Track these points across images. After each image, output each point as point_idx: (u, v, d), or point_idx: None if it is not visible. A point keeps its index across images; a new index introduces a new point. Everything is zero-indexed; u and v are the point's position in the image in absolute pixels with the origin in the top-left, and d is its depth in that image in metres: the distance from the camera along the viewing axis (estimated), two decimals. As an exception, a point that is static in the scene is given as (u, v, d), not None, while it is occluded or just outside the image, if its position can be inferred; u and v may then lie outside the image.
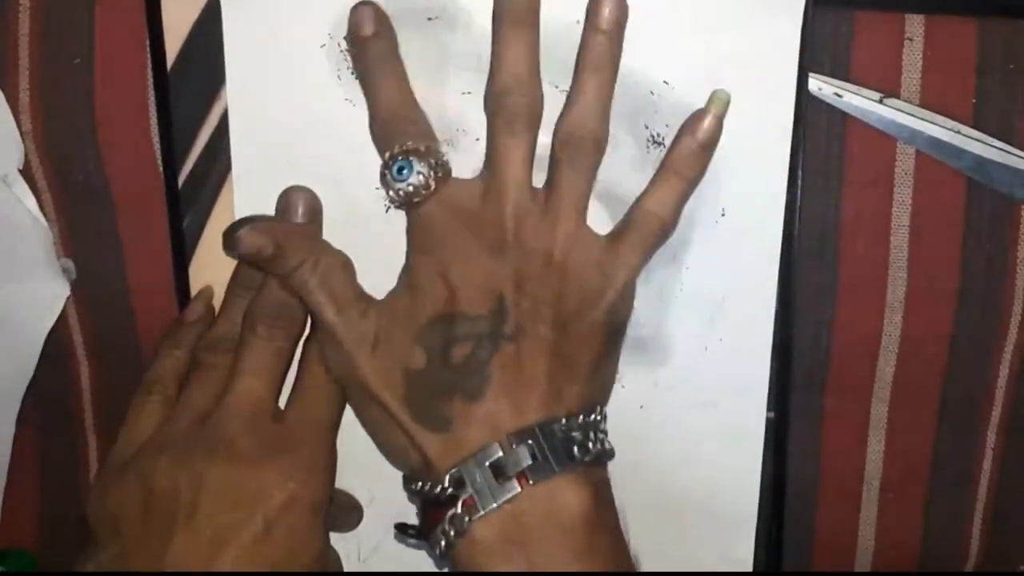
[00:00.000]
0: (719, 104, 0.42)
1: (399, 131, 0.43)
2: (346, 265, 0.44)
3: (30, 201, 0.48)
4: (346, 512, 0.48)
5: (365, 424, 0.44)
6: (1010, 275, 0.45)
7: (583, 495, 0.39)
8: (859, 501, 0.49)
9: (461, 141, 0.44)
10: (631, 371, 0.46)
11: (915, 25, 0.43)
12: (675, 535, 0.47)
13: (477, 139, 0.44)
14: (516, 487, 0.39)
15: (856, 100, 0.44)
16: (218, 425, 0.43)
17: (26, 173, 0.48)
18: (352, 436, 0.46)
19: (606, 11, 0.42)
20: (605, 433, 0.42)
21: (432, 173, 0.42)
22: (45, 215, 0.49)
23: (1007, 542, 0.49)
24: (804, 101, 0.43)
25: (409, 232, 0.44)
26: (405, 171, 0.42)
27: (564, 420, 0.40)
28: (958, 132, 0.44)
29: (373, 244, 0.45)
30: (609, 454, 0.42)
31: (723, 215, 0.44)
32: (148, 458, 0.43)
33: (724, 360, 0.45)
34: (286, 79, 0.45)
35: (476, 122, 0.44)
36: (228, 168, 0.46)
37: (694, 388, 0.45)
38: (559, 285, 0.42)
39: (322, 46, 0.44)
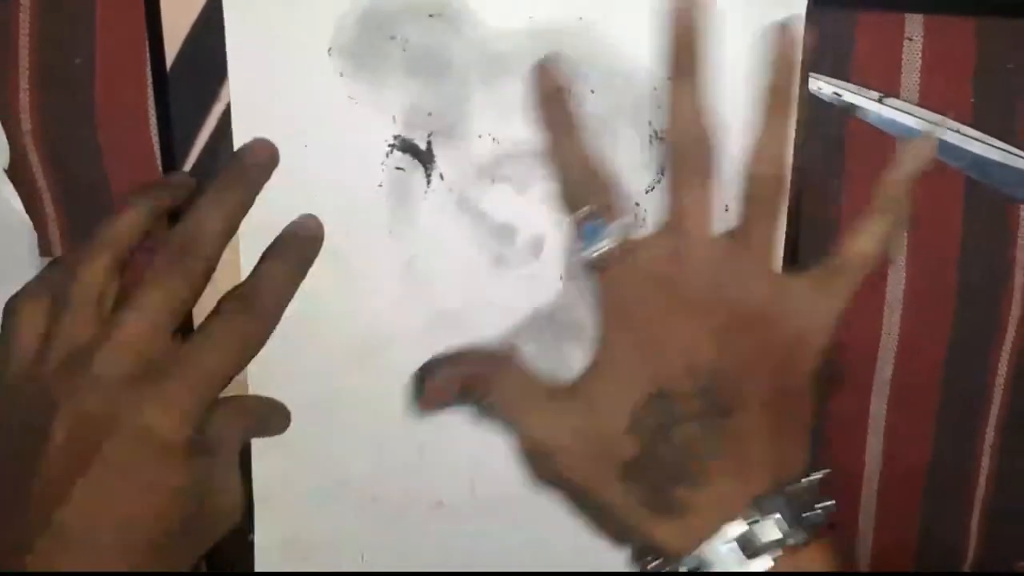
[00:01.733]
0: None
1: (590, 190, 0.41)
2: (522, 367, 0.43)
3: (16, 202, 0.48)
4: (268, 414, 0.45)
5: (583, 515, 0.43)
6: (1009, 274, 0.46)
7: (828, 559, 0.39)
8: (858, 499, 0.49)
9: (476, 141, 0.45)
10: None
11: (915, 25, 0.43)
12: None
13: (479, 136, 0.44)
14: (769, 561, 0.38)
15: (856, 99, 0.44)
16: (91, 364, 0.39)
17: (26, 172, 0.48)
18: (353, 433, 0.46)
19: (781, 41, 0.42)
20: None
21: (623, 236, 0.40)
22: (45, 214, 0.48)
23: (1005, 540, 0.49)
24: (805, 100, 0.43)
25: (599, 302, 0.42)
26: (597, 233, 0.40)
27: (795, 485, 0.39)
28: (957, 131, 0.44)
29: (376, 244, 0.45)
30: (832, 507, 0.40)
31: (726, 211, 0.44)
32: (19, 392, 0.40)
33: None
34: (289, 77, 0.45)
35: (483, 120, 0.44)
36: (229, 167, 0.46)
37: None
38: (766, 337, 0.40)
39: (325, 45, 0.44)
